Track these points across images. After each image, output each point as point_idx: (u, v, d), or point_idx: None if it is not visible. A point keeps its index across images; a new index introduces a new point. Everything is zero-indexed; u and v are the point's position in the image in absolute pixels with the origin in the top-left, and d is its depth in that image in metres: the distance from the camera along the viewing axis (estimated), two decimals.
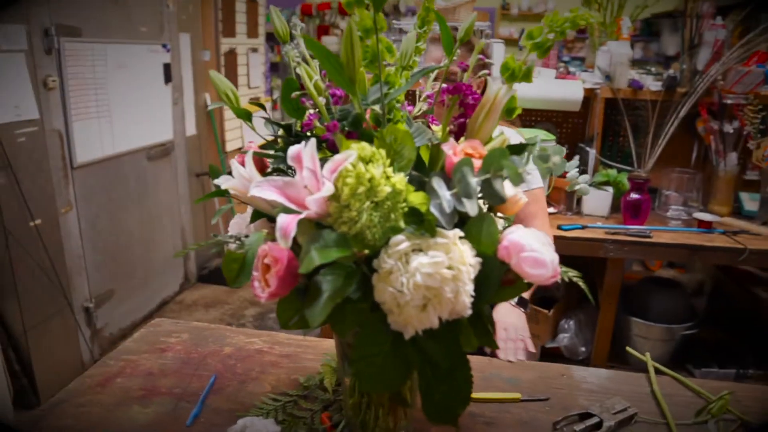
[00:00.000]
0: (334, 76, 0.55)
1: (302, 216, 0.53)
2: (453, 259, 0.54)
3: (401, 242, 0.54)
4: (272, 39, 5.04)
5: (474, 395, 0.90)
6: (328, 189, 0.52)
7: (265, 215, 0.68)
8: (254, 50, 3.83)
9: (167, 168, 3.07)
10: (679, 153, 2.38)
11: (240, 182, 0.61)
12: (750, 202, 2.26)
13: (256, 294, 0.57)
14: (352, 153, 0.54)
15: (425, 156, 0.64)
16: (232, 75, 3.52)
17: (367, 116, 0.66)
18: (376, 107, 0.64)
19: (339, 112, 0.64)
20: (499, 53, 2.31)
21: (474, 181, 0.53)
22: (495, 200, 0.53)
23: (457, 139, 0.65)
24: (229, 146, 3.58)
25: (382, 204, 0.53)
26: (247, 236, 0.67)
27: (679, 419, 0.88)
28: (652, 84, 2.23)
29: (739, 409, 0.90)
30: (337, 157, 0.54)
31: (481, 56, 0.63)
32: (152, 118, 2.88)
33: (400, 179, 0.54)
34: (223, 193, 0.68)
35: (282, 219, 0.53)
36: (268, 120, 0.69)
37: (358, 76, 0.55)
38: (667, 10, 5.05)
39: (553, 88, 2.18)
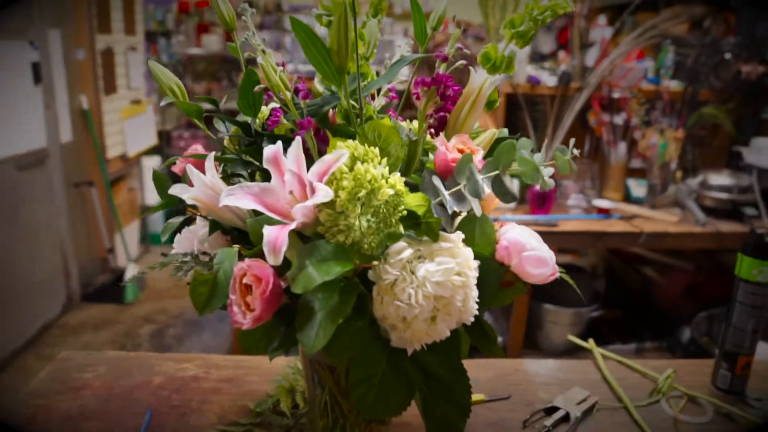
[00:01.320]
0: (319, 64, 0.48)
1: (292, 227, 0.46)
2: (461, 265, 0.49)
3: (403, 249, 0.49)
4: (151, 37, 4.70)
5: None
6: (325, 194, 0.45)
7: (219, 228, 0.60)
8: (133, 49, 3.53)
9: (41, 178, 2.74)
10: (575, 145, 2.52)
11: (202, 191, 0.52)
12: (637, 188, 2.45)
13: (236, 321, 0.48)
14: (344, 152, 0.47)
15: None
16: (109, 75, 3.22)
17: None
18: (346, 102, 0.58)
19: (308, 107, 0.56)
20: (402, 49, 2.30)
21: (481, 179, 0.49)
22: (507, 198, 0.49)
23: (436, 133, 0.61)
24: (110, 152, 3.27)
25: (379, 208, 0.47)
26: (203, 254, 0.58)
27: (634, 401, 0.91)
28: (549, 79, 2.34)
29: (683, 385, 0.95)
30: (327, 157, 0.48)
31: (459, 45, 0.58)
32: (20, 123, 2.55)
33: (399, 180, 0.48)
34: (173, 203, 0.58)
35: (269, 231, 0.45)
36: (219, 117, 0.60)
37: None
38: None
39: None
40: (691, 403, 0.92)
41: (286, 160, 0.49)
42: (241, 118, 0.61)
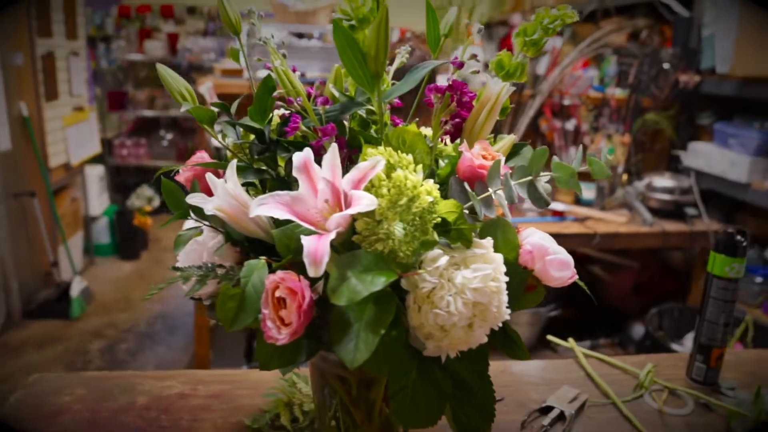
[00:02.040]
0: (354, 70, 0.47)
1: (332, 236, 0.45)
2: (496, 270, 0.50)
3: (439, 257, 0.49)
4: (90, 42, 4.49)
5: None
6: (370, 202, 0.44)
7: (231, 240, 0.58)
8: (75, 54, 3.37)
9: None
10: None
11: (226, 201, 0.50)
12: (586, 191, 2.55)
13: (270, 337, 0.47)
14: (380, 159, 0.47)
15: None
16: (50, 81, 3.05)
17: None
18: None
19: (326, 113, 0.55)
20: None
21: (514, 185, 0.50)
22: (541, 203, 0.50)
23: (452, 140, 0.61)
24: (53, 161, 3.10)
25: (417, 216, 0.47)
26: (219, 266, 0.56)
27: (620, 397, 0.94)
28: None
29: (662, 378, 0.99)
30: (362, 165, 0.47)
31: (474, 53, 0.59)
32: None
33: (434, 187, 0.48)
34: (186, 215, 0.56)
35: (309, 242, 0.44)
36: (231, 124, 0.58)
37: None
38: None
39: None
40: (672, 396, 0.96)
41: (317, 167, 0.48)
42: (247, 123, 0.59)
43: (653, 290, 2.58)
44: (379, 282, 0.44)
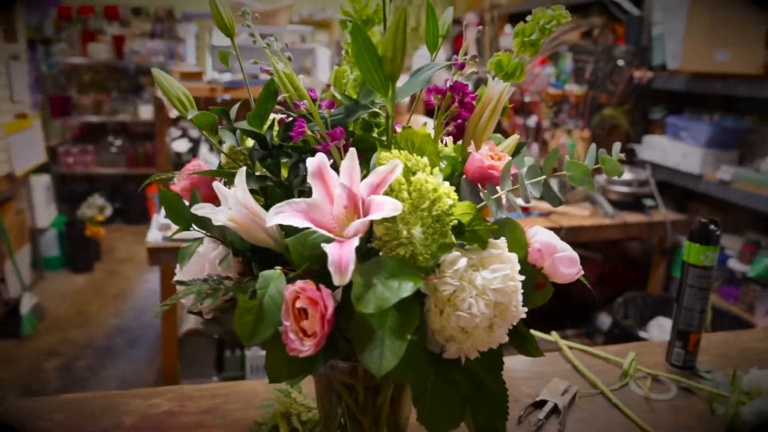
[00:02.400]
0: (370, 73, 0.46)
1: (356, 243, 0.44)
2: (513, 270, 0.50)
3: (458, 259, 0.48)
4: (31, 45, 4.28)
5: None
6: (394, 207, 0.43)
7: (234, 250, 0.56)
8: (15, 58, 3.20)
9: None
10: None
11: (237, 210, 0.48)
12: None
13: (294, 349, 0.45)
14: (398, 163, 0.46)
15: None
16: None
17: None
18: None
19: (331, 117, 0.54)
20: (324, 57, 2.29)
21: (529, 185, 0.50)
22: (555, 202, 0.50)
23: (455, 141, 0.61)
24: None
25: (435, 219, 0.47)
26: (227, 278, 0.54)
27: (607, 386, 0.96)
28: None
29: (644, 366, 1.02)
30: (380, 169, 0.46)
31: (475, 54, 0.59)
32: None
33: (451, 189, 0.48)
34: (188, 226, 0.54)
35: (333, 250, 0.43)
36: (231, 129, 0.56)
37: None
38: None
39: None
40: (655, 382, 0.99)
41: (333, 173, 0.47)
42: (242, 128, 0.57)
43: (616, 280, 2.67)
44: (407, 288, 0.43)
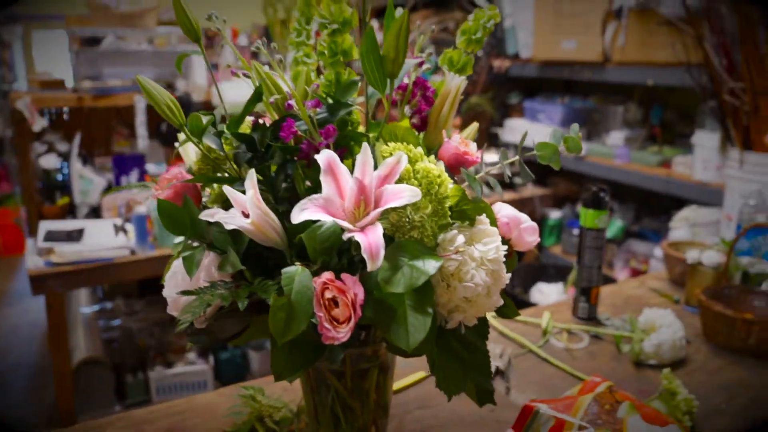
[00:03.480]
0: (372, 72, 0.49)
1: (380, 229, 0.47)
2: (499, 241, 0.56)
3: (456, 237, 0.54)
4: None
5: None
6: (414, 194, 0.47)
7: (215, 249, 0.56)
8: None
9: None
10: None
11: (255, 213, 0.49)
12: None
13: (330, 338, 0.48)
14: (402, 154, 0.50)
15: None
16: None
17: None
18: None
19: (316, 116, 0.57)
20: (198, 60, 2.20)
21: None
22: (527, 178, 0.57)
23: (419, 131, 0.66)
24: None
25: (439, 202, 0.52)
26: (233, 281, 0.54)
27: (533, 344, 1.08)
28: None
29: (558, 323, 1.16)
30: (388, 161, 0.50)
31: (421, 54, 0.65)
32: None
33: (447, 175, 0.53)
34: (193, 234, 0.53)
35: (363, 239, 0.46)
36: (216, 134, 0.56)
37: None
38: None
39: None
40: (569, 334, 1.13)
41: (343, 168, 0.50)
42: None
43: None
44: (432, 266, 0.48)
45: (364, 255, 0.46)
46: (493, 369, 0.95)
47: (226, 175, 0.60)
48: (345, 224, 0.48)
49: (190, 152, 0.67)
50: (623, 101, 2.49)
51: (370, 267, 0.46)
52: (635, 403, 0.75)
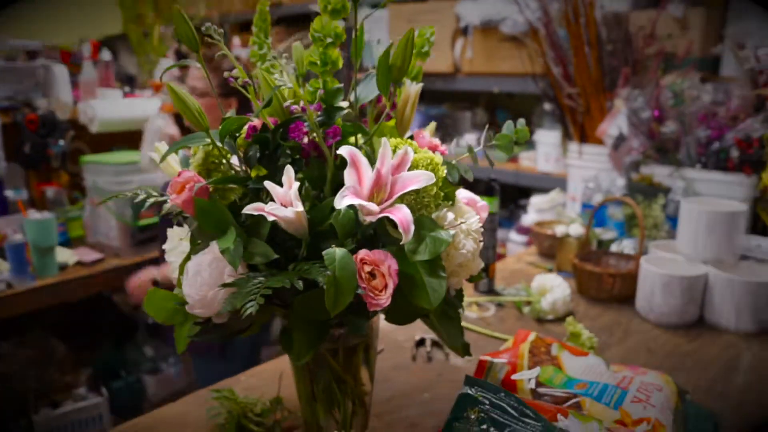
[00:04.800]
0: (382, 77, 0.58)
1: (406, 208, 0.57)
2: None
3: (446, 213, 0.65)
4: None
5: None
6: (429, 177, 0.58)
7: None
8: None
9: None
10: None
11: (296, 205, 0.55)
12: None
13: (375, 305, 0.56)
14: (408, 148, 0.61)
15: None
16: None
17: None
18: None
19: (317, 119, 0.64)
20: (62, 74, 2.04)
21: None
22: (491, 163, 0.70)
23: None
24: None
25: (439, 185, 0.63)
26: (265, 269, 0.60)
27: None
28: None
29: (467, 296, 1.32)
30: (399, 153, 0.60)
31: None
32: None
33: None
34: (225, 231, 0.58)
35: (397, 216, 0.56)
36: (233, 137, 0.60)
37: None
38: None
39: (129, 107, 2.11)
40: (477, 306, 1.30)
41: (364, 159, 0.59)
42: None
43: None
44: (447, 236, 0.59)
45: (400, 230, 0.55)
46: (429, 342, 1.10)
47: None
48: (373, 206, 0.57)
49: (172, 163, 0.70)
50: (471, 107, 2.81)
51: (405, 239, 0.55)
52: (561, 344, 0.93)
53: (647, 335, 1.17)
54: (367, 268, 0.56)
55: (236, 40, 2.71)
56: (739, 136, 1.48)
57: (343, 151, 0.58)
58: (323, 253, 0.56)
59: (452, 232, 0.60)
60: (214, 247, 0.61)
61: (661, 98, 1.60)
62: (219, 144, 0.59)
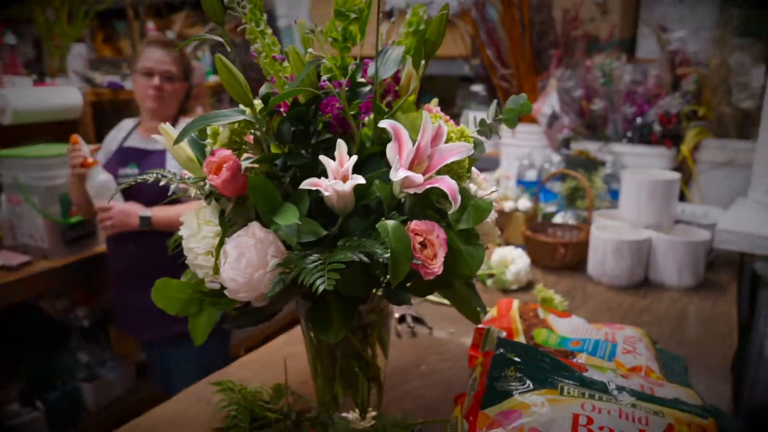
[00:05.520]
0: (417, 52, 0.59)
1: (449, 178, 0.59)
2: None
3: (470, 185, 0.67)
4: None
5: None
6: (467, 149, 0.59)
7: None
8: None
9: None
10: None
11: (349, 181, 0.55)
12: None
13: (429, 272, 0.57)
14: (440, 121, 0.62)
15: None
16: None
17: None
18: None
19: (348, 92, 0.64)
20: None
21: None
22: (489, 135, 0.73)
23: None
24: None
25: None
26: (301, 249, 0.59)
27: None
28: (128, 83, 2.31)
29: None
30: (433, 127, 0.61)
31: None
32: None
33: None
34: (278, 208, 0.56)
35: (446, 186, 0.57)
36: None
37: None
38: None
39: (43, 97, 1.92)
40: None
41: (405, 132, 0.59)
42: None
43: None
44: (488, 204, 0.61)
45: (450, 199, 0.56)
46: (409, 317, 1.12)
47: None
48: (419, 177, 0.58)
49: (186, 148, 0.67)
50: None
51: (454, 207, 0.57)
52: (544, 308, 0.99)
53: (604, 296, 1.26)
54: (419, 239, 0.57)
55: (151, 24, 2.55)
56: (660, 112, 1.63)
57: (386, 124, 0.58)
58: (377, 225, 0.56)
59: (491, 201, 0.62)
60: (254, 228, 0.59)
61: (590, 78, 1.72)
62: (255, 120, 0.56)
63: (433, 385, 0.92)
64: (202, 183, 0.60)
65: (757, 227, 1.32)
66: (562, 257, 1.41)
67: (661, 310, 1.19)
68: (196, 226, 0.64)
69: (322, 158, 0.55)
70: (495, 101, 0.73)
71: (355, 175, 0.55)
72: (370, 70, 0.67)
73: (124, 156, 1.60)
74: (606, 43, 1.75)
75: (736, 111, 1.55)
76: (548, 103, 1.83)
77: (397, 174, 0.55)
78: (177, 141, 0.63)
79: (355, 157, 0.55)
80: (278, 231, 0.55)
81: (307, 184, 0.54)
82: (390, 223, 0.56)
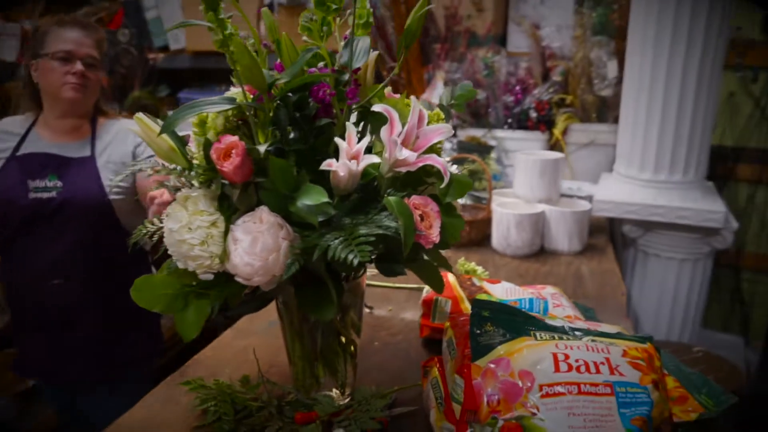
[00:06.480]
0: (400, 43, 0.64)
1: (439, 157, 0.65)
2: None
3: None
4: None
5: None
6: (448, 130, 0.66)
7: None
8: None
9: None
10: None
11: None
12: None
13: (432, 241, 0.63)
14: (420, 106, 0.68)
15: None
16: None
17: None
18: None
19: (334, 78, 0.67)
20: None
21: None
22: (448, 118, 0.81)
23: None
24: None
25: None
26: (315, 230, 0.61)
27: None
28: None
29: None
30: (421, 113, 0.67)
31: None
32: None
33: None
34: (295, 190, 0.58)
35: (437, 161, 0.63)
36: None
37: None
38: None
39: None
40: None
41: (397, 116, 0.64)
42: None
43: None
44: (468, 180, 0.68)
45: (442, 174, 0.63)
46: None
47: None
48: (413, 156, 0.63)
49: (167, 138, 0.66)
50: None
51: (445, 182, 0.63)
52: (477, 276, 1.09)
53: (511, 266, 1.41)
54: (418, 212, 0.63)
55: None
56: (535, 100, 1.83)
57: (380, 108, 0.63)
58: (385, 200, 0.61)
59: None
60: (262, 212, 0.61)
61: (473, 69, 1.88)
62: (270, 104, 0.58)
63: (392, 357, 0.98)
64: (200, 171, 0.60)
65: (624, 196, 1.56)
66: (467, 234, 1.54)
67: (561, 273, 1.36)
68: (186, 218, 0.63)
69: (337, 140, 0.58)
70: (448, 87, 0.81)
71: (366, 155, 0.59)
72: (342, 59, 0.71)
73: (31, 165, 1.31)
74: (484, 38, 1.93)
75: (597, 98, 1.80)
76: (435, 94, 1.96)
77: (402, 153, 0.60)
78: (164, 130, 0.62)
79: (367, 138, 0.59)
80: (298, 212, 0.57)
81: (325, 165, 0.57)
82: (393, 198, 0.61)
